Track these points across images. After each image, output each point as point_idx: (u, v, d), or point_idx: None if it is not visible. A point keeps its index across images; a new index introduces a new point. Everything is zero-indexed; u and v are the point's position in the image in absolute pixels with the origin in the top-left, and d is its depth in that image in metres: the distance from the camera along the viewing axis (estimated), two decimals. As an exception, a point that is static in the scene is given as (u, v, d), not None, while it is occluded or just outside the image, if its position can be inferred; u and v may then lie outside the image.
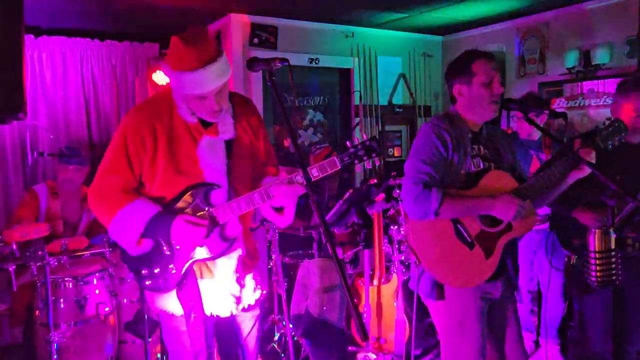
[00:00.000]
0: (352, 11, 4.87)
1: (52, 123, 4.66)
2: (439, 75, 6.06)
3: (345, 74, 5.66)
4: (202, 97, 1.89)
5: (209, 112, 1.94)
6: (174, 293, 1.99)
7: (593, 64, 4.49)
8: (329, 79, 5.67)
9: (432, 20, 5.28)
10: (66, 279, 3.21)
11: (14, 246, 2.76)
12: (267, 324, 3.89)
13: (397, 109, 5.81)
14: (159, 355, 3.47)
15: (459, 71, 2.20)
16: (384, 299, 3.63)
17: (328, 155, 4.52)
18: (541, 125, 3.08)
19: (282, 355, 3.69)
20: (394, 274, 3.64)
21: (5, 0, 2.06)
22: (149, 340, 3.13)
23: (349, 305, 3.35)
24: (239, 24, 4.85)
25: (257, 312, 2.20)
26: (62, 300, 3.19)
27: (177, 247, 1.94)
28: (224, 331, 2.15)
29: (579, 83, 4.56)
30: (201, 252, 1.96)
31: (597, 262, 2.19)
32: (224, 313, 2.06)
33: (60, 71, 4.69)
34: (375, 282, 3.64)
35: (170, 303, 2.02)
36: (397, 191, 3.47)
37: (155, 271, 1.96)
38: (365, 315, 3.58)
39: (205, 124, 1.99)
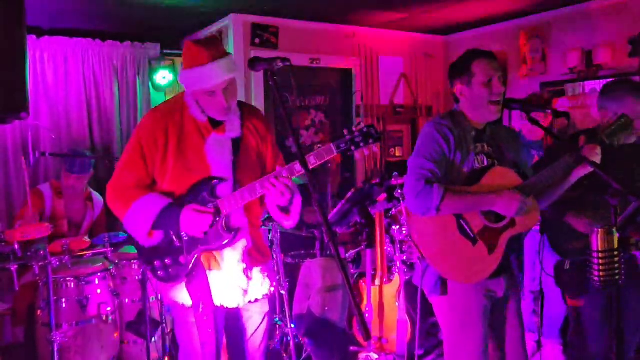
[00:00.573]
0: (353, 11, 4.87)
1: (53, 123, 4.66)
2: (440, 75, 6.05)
3: (346, 74, 5.66)
4: (211, 92, 2.01)
5: (218, 110, 2.06)
6: (184, 284, 2.09)
7: (595, 63, 4.49)
8: (330, 79, 5.67)
9: (433, 20, 5.27)
10: (68, 278, 3.21)
11: (16, 246, 2.76)
12: (268, 324, 3.88)
13: (399, 109, 5.81)
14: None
15: (460, 71, 2.21)
16: (385, 299, 3.63)
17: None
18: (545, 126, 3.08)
19: (284, 355, 3.69)
20: (396, 274, 3.63)
21: (7, 1, 2.07)
22: (151, 340, 3.13)
23: (351, 305, 3.36)
24: (240, 24, 4.84)
25: (266, 308, 2.26)
26: (64, 300, 3.19)
27: (186, 237, 2.05)
28: (233, 325, 2.21)
29: (581, 83, 4.56)
30: (208, 242, 2.06)
31: (600, 261, 2.18)
32: (232, 304, 2.13)
33: (61, 71, 4.70)
34: (377, 282, 3.64)
35: (181, 294, 2.11)
36: (399, 191, 3.46)
37: (167, 262, 2.09)
38: (367, 315, 3.58)
39: (214, 124, 2.10)
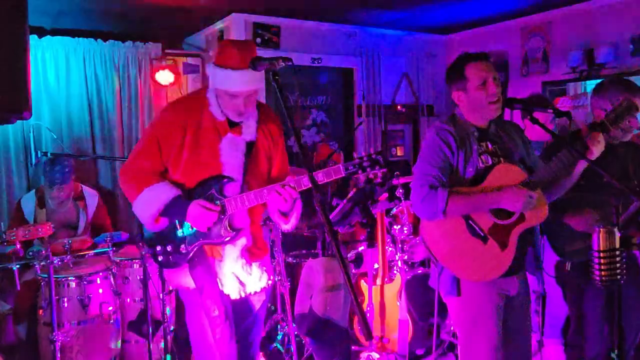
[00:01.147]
0: (355, 10, 4.86)
1: (55, 123, 4.66)
2: (442, 74, 6.03)
3: (348, 74, 5.66)
4: (233, 95, 2.10)
5: (235, 111, 2.14)
6: (187, 270, 2.19)
7: (597, 63, 4.48)
8: (332, 79, 5.67)
9: (435, 20, 5.27)
10: (70, 278, 3.21)
11: (18, 245, 2.77)
12: (270, 323, 3.89)
13: (400, 109, 5.81)
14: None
15: (454, 78, 2.24)
16: (387, 299, 3.62)
17: (330, 155, 4.54)
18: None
19: (286, 354, 3.68)
20: (397, 273, 3.63)
21: (9, 1, 2.07)
22: (152, 339, 3.13)
23: (352, 304, 3.36)
24: (241, 23, 4.85)
25: (263, 297, 2.37)
26: (65, 299, 3.19)
27: (191, 229, 2.16)
28: (236, 312, 2.27)
29: (583, 82, 4.55)
30: (210, 237, 2.16)
31: (602, 261, 2.18)
32: (233, 294, 2.23)
33: (63, 71, 4.70)
34: (379, 281, 3.64)
35: (185, 278, 2.21)
36: (401, 190, 3.46)
37: (168, 249, 2.20)
38: (368, 314, 3.58)
39: (231, 124, 2.18)
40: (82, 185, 4.02)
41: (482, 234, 2.16)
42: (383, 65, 5.67)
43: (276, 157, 2.31)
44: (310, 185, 1.91)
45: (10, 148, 4.47)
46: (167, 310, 3.29)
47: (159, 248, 2.22)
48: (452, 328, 3.70)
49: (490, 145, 2.23)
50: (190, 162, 2.15)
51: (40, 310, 3.22)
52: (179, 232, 2.19)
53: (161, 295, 3.17)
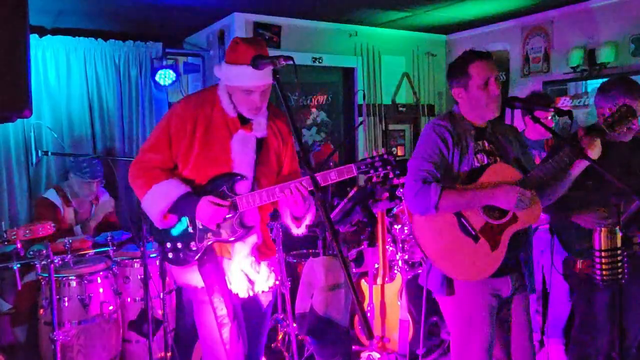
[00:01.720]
0: (355, 10, 4.87)
1: (56, 122, 4.66)
2: (443, 74, 6.04)
3: (348, 73, 5.66)
4: (249, 91, 2.10)
5: (250, 108, 2.15)
6: (196, 267, 2.17)
7: (598, 62, 4.48)
8: (333, 78, 5.67)
9: (435, 19, 5.27)
10: (70, 277, 3.21)
11: (19, 245, 2.76)
12: (270, 323, 3.88)
13: (401, 108, 5.81)
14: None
15: (456, 75, 2.23)
16: (387, 298, 3.62)
17: (331, 155, 4.53)
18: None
19: (286, 353, 3.68)
20: (398, 273, 3.63)
21: (10, 0, 2.07)
22: (153, 339, 3.13)
23: (353, 304, 3.35)
24: (242, 23, 4.85)
25: (269, 297, 2.37)
26: (66, 299, 3.19)
27: (200, 226, 2.14)
28: (244, 311, 2.28)
29: (584, 82, 4.55)
30: (220, 234, 2.15)
31: (603, 260, 2.18)
32: (242, 293, 2.22)
33: (64, 70, 4.70)
34: (379, 281, 3.64)
35: (193, 277, 2.19)
36: (401, 190, 3.46)
37: (178, 245, 2.19)
38: (368, 314, 3.58)
39: (242, 121, 2.18)
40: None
41: (473, 233, 2.15)
42: (383, 65, 5.67)
43: (286, 155, 2.31)
44: (331, 182, 1.97)
45: (10, 147, 4.47)
46: (167, 309, 3.29)
47: (168, 245, 2.20)
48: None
49: (487, 144, 2.23)
50: (200, 157, 2.15)
51: (41, 310, 3.22)
52: (189, 229, 2.17)
53: (161, 294, 3.17)
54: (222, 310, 2.13)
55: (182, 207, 2.12)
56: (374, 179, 2.05)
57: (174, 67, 5.00)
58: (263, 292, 2.30)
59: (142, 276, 3.18)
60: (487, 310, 2.18)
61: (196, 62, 5.40)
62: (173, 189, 2.12)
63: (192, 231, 2.17)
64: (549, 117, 3.45)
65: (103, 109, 4.89)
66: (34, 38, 4.39)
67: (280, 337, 3.79)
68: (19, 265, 2.94)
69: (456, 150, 2.16)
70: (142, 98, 5.03)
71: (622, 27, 4.39)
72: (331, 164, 4.25)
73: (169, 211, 2.14)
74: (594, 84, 4.53)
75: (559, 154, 2.12)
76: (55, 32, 4.70)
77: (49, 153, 4.03)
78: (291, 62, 1.81)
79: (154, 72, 4.95)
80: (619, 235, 2.16)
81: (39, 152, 4.11)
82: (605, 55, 4.41)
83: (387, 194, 3.61)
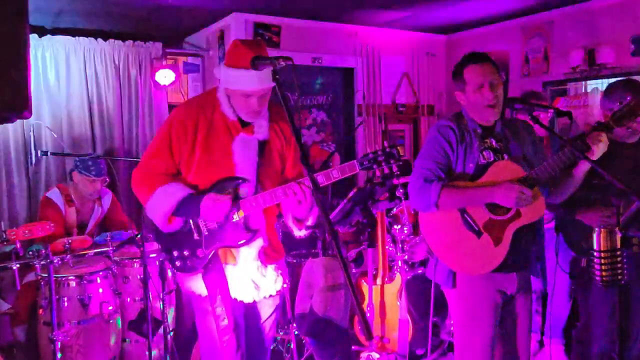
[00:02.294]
0: (355, 10, 4.86)
1: (55, 122, 4.66)
2: (443, 74, 6.05)
3: (348, 73, 5.65)
4: (247, 95, 2.07)
5: (248, 111, 2.13)
6: (200, 275, 2.16)
7: (597, 63, 4.47)
8: (332, 78, 5.66)
9: (435, 19, 5.26)
10: (70, 277, 3.21)
11: (18, 245, 2.76)
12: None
13: (401, 108, 5.81)
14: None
15: (455, 78, 2.30)
16: (387, 299, 3.62)
17: (330, 156, 4.54)
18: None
19: (286, 354, 3.68)
20: (398, 273, 3.63)
21: (9, 0, 2.06)
22: (152, 339, 3.13)
23: (353, 304, 3.35)
24: (242, 23, 4.85)
25: (277, 301, 2.36)
26: (65, 299, 3.19)
27: (206, 232, 2.14)
28: (247, 316, 2.27)
29: (583, 82, 4.55)
30: (226, 239, 2.14)
31: (602, 261, 2.18)
32: (247, 299, 2.22)
33: (64, 70, 4.69)
34: (379, 281, 3.64)
35: (197, 284, 2.19)
36: (401, 190, 3.46)
37: (185, 253, 2.17)
38: (368, 314, 3.58)
39: (243, 123, 2.16)
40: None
41: (476, 229, 2.19)
42: (383, 65, 5.67)
43: (289, 156, 2.29)
44: (334, 180, 1.97)
45: (10, 147, 4.46)
46: (167, 309, 3.29)
47: (175, 253, 2.19)
48: (452, 328, 3.70)
49: (494, 143, 2.25)
50: (202, 162, 2.14)
51: (40, 310, 3.21)
52: (195, 235, 2.17)
53: (161, 294, 3.17)
54: (224, 320, 2.11)
55: (186, 208, 2.11)
56: (378, 173, 2.04)
57: (174, 67, 5.00)
58: (270, 295, 2.28)
59: (142, 276, 3.18)
60: (490, 305, 2.22)
61: (196, 62, 5.39)
62: (176, 190, 2.12)
63: (198, 237, 2.17)
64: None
65: (103, 109, 4.88)
66: (33, 38, 4.39)
67: (279, 337, 3.79)
68: (18, 265, 2.93)
69: (460, 148, 2.20)
70: (141, 98, 5.02)
71: (622, 27, 4.39)
72: (331, 164, 4.25)
73: (173, 214, 2.14)
74: (594, 84, 4.53)
75: (563, 152, 2.13)
76: (55, 32, 4.69)
77: (49, 153, 4.03)
78: (290, 63, 1.80)
79: (153, 72, 4.95)
80: (618, 236, 2.16)
81: (39, 152, 4.11)
82: (605, 55, 4.40)
83: (386, 194, 3.61)
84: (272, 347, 3.75)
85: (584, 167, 2.18)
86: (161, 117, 5.06)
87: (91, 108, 4.83)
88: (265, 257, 2.23)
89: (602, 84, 4.45)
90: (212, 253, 2.14)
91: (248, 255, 2.19)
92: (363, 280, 3.69)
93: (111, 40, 4.86)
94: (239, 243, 2.14)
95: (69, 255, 3.09)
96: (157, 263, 3.23)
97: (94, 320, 3.23)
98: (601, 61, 4.43)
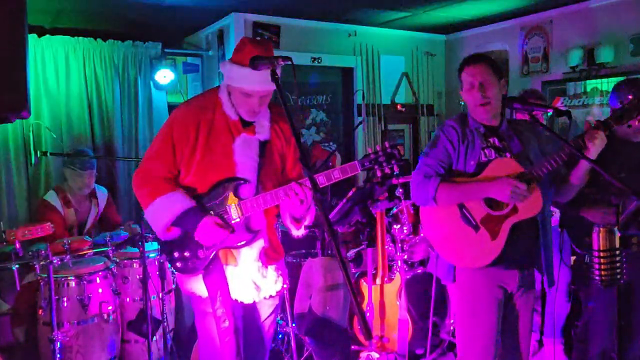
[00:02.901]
0: (354, 10, 4.86)
1: (54, 122, 4.66)
2: (442, 74, 6.05)
3: (348, 73, 5.65)
4: (248, 94, 2.07)
5: (248, 110, 2.13)
6: (201, 276, 2.15)
7: (597, 62, 4.48)
8: (332, 78, 5.66)
9: (435, 19, 5.26)
10: (69, 278, 3.21)
11: (17, 245, 2.76)
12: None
13: (400, 108, 5.80)
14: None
15: (458, 80, 2.39)
16: (386, 298, 3.62)
17: (330, 155, 4.54)
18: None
19: (285, 354, 3.68)
20: (397, 273, 3.63)
21: (8, 0, 2.06)
22: (152, 339, 3.13)
23: (352, 304, 3.35)
24: (241, 23, 4.85)
25: (276, 301, 2.35)
26: (65, 299, 3.19)
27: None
28: (247, 317, 2.27)
29: (583, 82, 4.55)
30: (227, 240, 2.12)
31: (602, 260, 2.18)
32: (247, 300, 2.21)
33: (63, 70, 4.69)
34: (378, 281, 3.64)
35: (198, 285, 2.18)
36: (400, 190, 3.46)
37: (186, 255, 2.15)
38: (368, 314, 3.58)
39: (245, 124, 2.16)
40: (94, 184, 4.02)
41: (473, 223, 2.24)
42: (383, 65, 5.67)
43: (288, 155, 2.28)
44: (335, 181, 1.98)
45: (9, 147, 4.46)
46: (166, 308, 3.28)
47: (176, 254, 2.17)
48: (452, 328, 3.70)
49: (497, 142, 2.29)
50: (203, 162, 2.12)
51: (40, 310, 3.21)
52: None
53: (161, 294, 3.17)
54: (225, 322, 2.11)
55: (184, 222, 2.09)
56: (379, 174, 2.03)
57: (173, 67, 5.00)
58: (270, 296, 2.28)
59: (141, 276, 3.19)
60: (491, 300, 2.25)
61: (195, 62, 5.39)
62: (177, 203, 2.09)
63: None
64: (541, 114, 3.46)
65: (102, 109, 4.88)
66: (32, 38, 4.39)
67: (279, 337, 3.79)
68: (17, 266, 2.94)
69: (462, 147, 2.28)
70: (141, 98, 5.02)
71: (622, 27, 4.39)
72: (330, 163, 4.25)
73: (172, 224, 2.12)
74: (593, 84, 4.53)
75: (562, 149, 2.14)
76: (54, 32, 4.69)
77: (48, 153, 4.02)
78: (289, 63, 1.80)
79: (153, 72, 4.94)
80: (617, 235, 2.16)
81: (38, 152, 4.11)
82: (604, 55, 4.41)
83: (386, 194, 3.60)
84: (271, 347, 3.76)
85: (585, 166, 2.20)
86: (161, 117, 5.05)
87: (90, 108, 4.82)
88: (266, 257, 2.23)
89: (601, 84, 4.46)
90: (212, 254, 2.13)
91: (249, 256, 2.18)
92: (363, 280, 3.69)
93: (110, 40, 4.86)
94: (240, 244, 2.14)
95: (68, 256, 3.10)
96: (157, 263, 3.23)
97: (93, 320, 3.24)
98: (600, 61, 4.43)
